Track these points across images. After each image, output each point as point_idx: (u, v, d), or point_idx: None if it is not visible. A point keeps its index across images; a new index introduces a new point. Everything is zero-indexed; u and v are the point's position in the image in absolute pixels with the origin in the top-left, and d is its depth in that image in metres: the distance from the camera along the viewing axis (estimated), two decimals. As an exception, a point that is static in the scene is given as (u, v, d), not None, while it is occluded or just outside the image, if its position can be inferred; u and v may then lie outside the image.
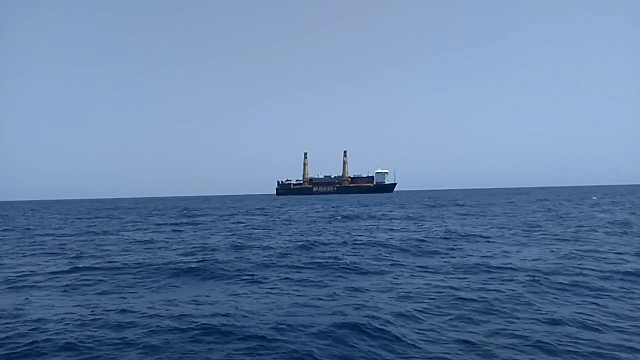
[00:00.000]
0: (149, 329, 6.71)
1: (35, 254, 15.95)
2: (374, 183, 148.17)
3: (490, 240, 17.05)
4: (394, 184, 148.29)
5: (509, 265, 11.42)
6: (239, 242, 17.83)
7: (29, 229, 29.31)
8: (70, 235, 23.56)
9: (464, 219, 28.90)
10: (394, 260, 12.86)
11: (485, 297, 8.20)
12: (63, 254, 15.92)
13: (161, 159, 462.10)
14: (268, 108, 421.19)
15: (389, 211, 40.41)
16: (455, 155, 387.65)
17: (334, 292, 8.94)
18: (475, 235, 18.58)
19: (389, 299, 8.41)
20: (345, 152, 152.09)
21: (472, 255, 13.36)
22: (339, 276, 10.72)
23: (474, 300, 8.07)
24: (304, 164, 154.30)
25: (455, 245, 16.00)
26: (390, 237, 18.75)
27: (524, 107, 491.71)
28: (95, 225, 31.49)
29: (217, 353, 5.73)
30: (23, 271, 12.28)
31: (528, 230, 20.11)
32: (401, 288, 9.29)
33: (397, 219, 29.99)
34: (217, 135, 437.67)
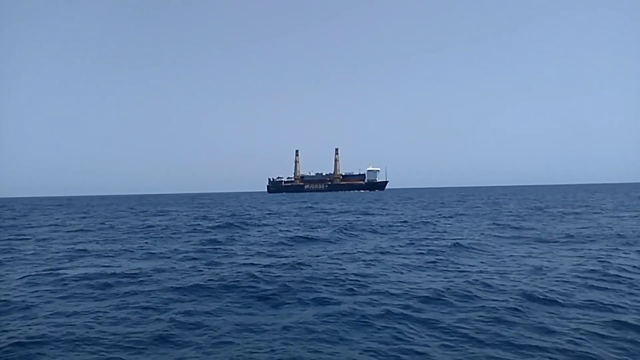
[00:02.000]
0: None
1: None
2: (366, 181, 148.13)
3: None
4: (386, 182, 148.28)
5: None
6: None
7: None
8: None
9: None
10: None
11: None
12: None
13: (151, 156, 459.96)
14: (260, 105, 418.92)
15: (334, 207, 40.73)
16: (449, 153, 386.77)
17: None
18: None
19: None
20: (336, 149, 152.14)
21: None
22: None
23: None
24: (296, 162, 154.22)
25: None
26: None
27: (518, 104, 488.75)
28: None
29: None
30: None
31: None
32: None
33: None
34: (208, 132, 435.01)
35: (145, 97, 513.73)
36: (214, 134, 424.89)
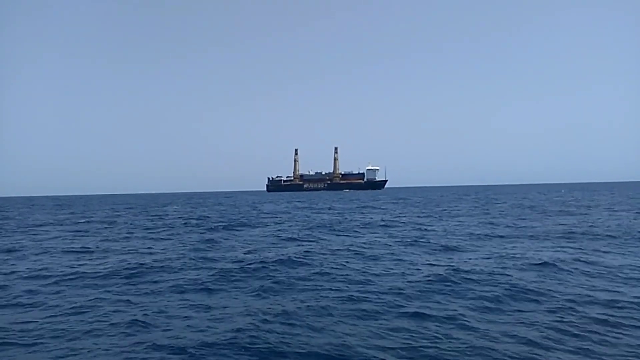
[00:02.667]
0: None
1: None
2: (365, 180, 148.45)
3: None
4: (385, 181, 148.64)
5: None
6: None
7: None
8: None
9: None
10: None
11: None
12: None
13: (150, 156, 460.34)
14: (259, 104, 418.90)
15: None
16: (448, 152, 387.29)
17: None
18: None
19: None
20: (336, 148, 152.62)
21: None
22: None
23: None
24: (295, 161, 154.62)
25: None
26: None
27: (517, 104, 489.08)
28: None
29: None
30: None
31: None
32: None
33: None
34: (208, 131, 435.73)
35: (144, 96, 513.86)
36: (214, 133, 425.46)
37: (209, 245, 15.92)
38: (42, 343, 6.02)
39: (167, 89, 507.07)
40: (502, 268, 10.29)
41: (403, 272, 10.22)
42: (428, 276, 9.59)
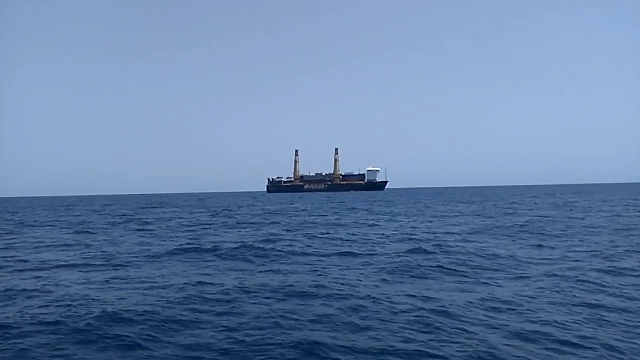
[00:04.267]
0: None
1: None
2: (365, 181, 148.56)
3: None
4: (385, 182, 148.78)
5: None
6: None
7: None
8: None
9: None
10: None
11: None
12: None
13: (150, 156, 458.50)
14: (259, 104, 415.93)
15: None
16: (450, 153, 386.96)
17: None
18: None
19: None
20: (336, 149, 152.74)
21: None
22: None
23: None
24: (295, 162, 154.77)
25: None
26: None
27: (519, 103, 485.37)
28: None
29: None
30: None
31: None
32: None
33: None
34: (207, 130, 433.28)
35: (143, 97, 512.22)
36: (213, 133, 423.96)
37: (200, 246, 16.14)
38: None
39: (166, 89, 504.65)
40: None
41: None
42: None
